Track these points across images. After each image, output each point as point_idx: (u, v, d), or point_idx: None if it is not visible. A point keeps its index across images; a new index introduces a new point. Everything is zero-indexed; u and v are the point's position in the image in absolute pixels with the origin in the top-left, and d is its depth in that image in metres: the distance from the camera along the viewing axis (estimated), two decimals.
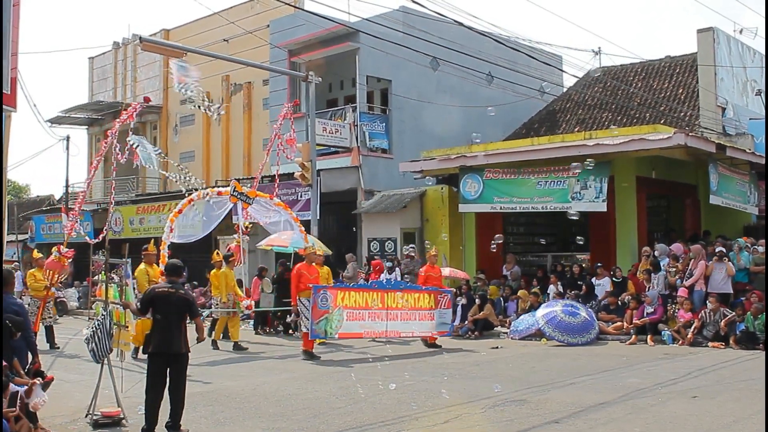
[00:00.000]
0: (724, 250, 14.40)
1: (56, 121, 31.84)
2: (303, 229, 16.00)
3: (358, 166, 21.22)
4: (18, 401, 6.24)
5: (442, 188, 19.75)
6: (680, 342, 13.29)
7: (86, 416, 7.74)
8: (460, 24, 17.18)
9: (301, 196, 20.84)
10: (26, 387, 6.41)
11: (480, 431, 7.48)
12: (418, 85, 22.64)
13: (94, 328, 7.88)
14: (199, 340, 7.56)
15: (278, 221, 15.69)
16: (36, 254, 15.16)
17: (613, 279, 15.59)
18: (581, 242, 15.92)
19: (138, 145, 12.64)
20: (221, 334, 14.60)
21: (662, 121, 19.90)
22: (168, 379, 7.16)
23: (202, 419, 7.88)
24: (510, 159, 17.28)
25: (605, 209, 16.00)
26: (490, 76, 21.42)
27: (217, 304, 14.97)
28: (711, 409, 7.92)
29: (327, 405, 8.49)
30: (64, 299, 23.42)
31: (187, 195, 14.63)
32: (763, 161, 17.27)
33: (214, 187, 16.67)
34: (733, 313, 13.16)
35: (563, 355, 12.60)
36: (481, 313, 15.64)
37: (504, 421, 7.58)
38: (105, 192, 27.67)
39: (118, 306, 8.04)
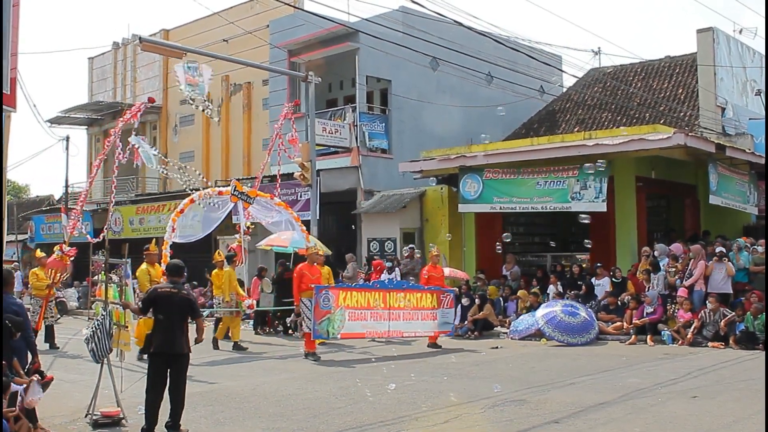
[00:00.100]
0: (724, 250, 14.39)
1: (56, 121, 31.84)
2: (305, 228, 15.98)
3: (357, 166, 21.22)
4: (18, 401, 6.24)
5: (441, 188, 19.76)
6: (680, 342, 13.29)
7: (86, 416, 7.74)
8: (460, 24, 17.18)
9: (300, 196, 20.84)
10: (25, 385, 6.42)
11: (480, 431, 7.48)
12: (418, 85, 22.65)
13: (94, 328, 7.88)
14: (197, 341, 7.52)
15: (280, 221, 15.68)
16: (39, 253, 15.16)
17: (613, 279, 15.60)
18: (589, 245, 15.79)
19: (139, 146, 12.64)
20: (224, 334, 14.58)
21: (662, 121, 19.90)
22: (168, 380, 7.16)
23: (202, 419, 7.88)
24: (510, 159, 17.28)
25: (605, 209, 16.01)
26: (490, 76, 21.44)
27: (219, 304, 14.96)
28: (711, 409, 7.93)
29: (327, 405, 8.49)
30: (64, 299, 23.41)
31: (192, 192, 14.56)
32: (763, 161, 17.28)
33: (214, 186, 16.63)
34: (733, 313, 13.16)
35: (563, 355, 12.60)
36: (481, 313, 15.64)
37: (504, 421, 7.58)
38: (105, 192, 27.65)
39: (118, 306, 8.04)
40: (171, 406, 7.14)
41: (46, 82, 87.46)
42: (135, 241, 19.25)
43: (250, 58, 21.30)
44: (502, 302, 16.79)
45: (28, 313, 8.60)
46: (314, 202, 18.55)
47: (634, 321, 14.12)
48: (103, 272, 8.55)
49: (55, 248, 12.52)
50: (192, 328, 7.45)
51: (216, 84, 27.39)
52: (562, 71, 26.53)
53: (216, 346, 14.15)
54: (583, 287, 15.89)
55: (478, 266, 18.74)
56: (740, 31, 23.23)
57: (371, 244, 20.48)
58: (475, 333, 15.33)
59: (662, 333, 13.69)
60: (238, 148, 28.41)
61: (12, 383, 6.34)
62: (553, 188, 16.47)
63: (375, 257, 18.97)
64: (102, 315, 7.97)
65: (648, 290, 14.69)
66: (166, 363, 7.16)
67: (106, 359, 7.89)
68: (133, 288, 9.93)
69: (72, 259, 12.31)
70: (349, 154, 21.27)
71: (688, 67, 23.37)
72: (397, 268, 17.29)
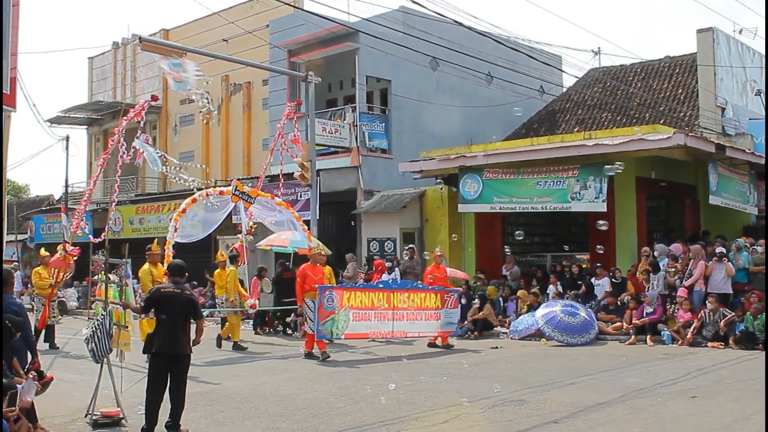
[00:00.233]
0: (723, 250, 14.39)
1: (56, 121, 31.84)
2: (306, 228, 15.97)
3: (357, 166, 21.22)
4: (17, 401, 6.24)
5: (441, 188, 19.76)
6: (680, 342, 13.29)
7: (86, 416, 7.75)
8: (460, 24, 17.18)
9: (300, 196, 20.84)
10: (22, 385, 6.42)
11: (479, 431, 7.48)
12: (418, 85, 22.65)
13: (94, 328, 7.88)
14: (195, 342, 7.47)
15: (282, 221, 15.66)
16: (43, 252, 15.15)
17: (613, 280, 15.60)
18: (601, 251, 15.70)
19: (143, 151, 12.58)
20: (227, 334, 14.58)
21: (662, 122, 19.90)
22: (169, 380, 7.16)
23: (202, 419, 7.88)
24: (509, 159, 17.28)
25: (605, 209, 16.00)
26: (490, 76, 21.45)
27: (222, 304, 14.95)
28: (710, 409, 7.93)
29: (327, 405, 8.49)
30: (64, 299, 23.41)
31: (196, 191, 14.51)
32: (763, 161, 17.27)
33: (215, 186, 16.59)
34: (733, 314, 13.16)
35: (563, 355, 12.60)
36: (481, 313, 15.65)
37: (503, 421, 7.58)
38: (104, 192, 27.67)
39: (118, 306, 8.04)
40: (171, 406, 7.13)
41: (46, 82, 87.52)
42: (135, 241, 19.24)
43: (250, 58, 21.31)
44: (501, 302, 16.79)
45: (30, 312, 8.61)
46: (314, 202, 18.55)
47: (633, 321, 14.12)
48: (103, 272, 8.55)
49: (58, 248, 12.52)
50: (192, 329, 7.45)
51: (216, 84, 27.41)
52: (562, 71, 26.55)
53: (219, 345, 14.15)
54: (583, 287, 15.88)
55: (477, 266, 18.74)
56: (740, 31, 23.26)
57: (371, 244, 20.48)
58: (475, 333, 15.33)
59: (662, 333, 13.69)
60: (238, 148, 28.42)
61: (12, 383, 6.34)
62: (553, 188, 16.47)
63: (375, 257, 18.97)
64: (102, 315, 7.97)
65: (648, 290, 14.69)
66: (168, 363, 7.16)
67: (106, 359, 7.90)
68: (134, 288, 9.94)
69: (75, 258, 12.32)
70: (349, 154, 21.27)
71: (688, 67, 23.38)
72: (396, 268, 17.30)
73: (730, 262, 14.18)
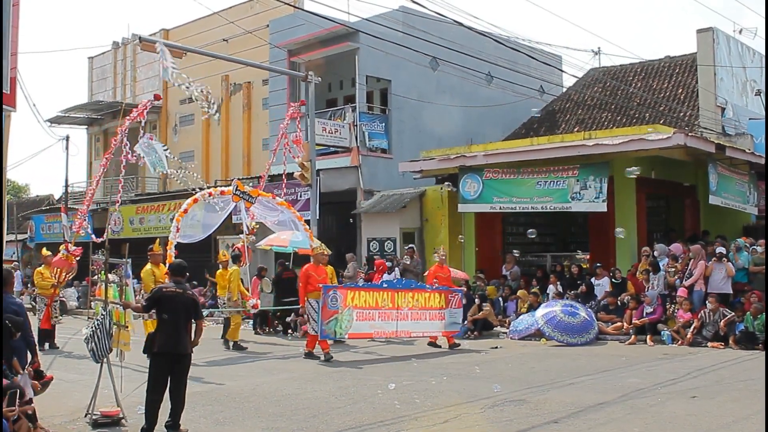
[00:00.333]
0: (724, 250, 14.39)
1: (56, 120, 31.86)
2: (308, 228, 15.96)
3: (357, 166, 21.22)
4: (17, 401, 6.24)
5: (441, 188, 19.76)
6: (679, 342, 13.29)
7: (86, 416, 7.75)
8: (460, 24, 17.17)
9: (300, 196, 20.84)
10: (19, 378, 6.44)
11: (479, 431, 7.48)
12: (418, 85, 22.65)
13: (94, 328, 7.88)
14: (194, 344, 7.44)
15: (284, 221, 15.65)
16: (45, 252, 15.15)
17: (613, 280, 15.61)
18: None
19: (147, 156, 12.54)
20: (237, 333, 14.56)
21: (662, 121, 19.90)
22: (169, 380, 7.16)
23: (202, 419, 7.88)
24: (509, 159, 17.28)
25: (605, 209, 16.02)
26: (490, 76, 21.44)
27: (224, 304, 14.93)
28: (710, 409, 7.93)
29: (327, 405, 8.49)
30: (64, 299, 23.39)
31: (198, 191, 14.48)
32: (763, 161, 17.28)
33: (216, 186, 16.60)
34: (733, 314, 13.16)
35: (563, 355, 12.60)
36: (481, 313, 15.64)
37: (503, 421, 7.58)
38: (104, 192, 27.68)
39: (118, 306, 8.04)
40: (171, 406, 7.13)
41: (46, 81, 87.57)
42: (135, 241, 19.24)
43: (250, 57, 21.30)
44: (501, 302, 16.79)
45: (31, 312, 8.61)
46: (314, 201, 18.54)
47: (633, 321, 14.12)
48: (102, 272, 8.55)
49: (60, 247, 12.52)
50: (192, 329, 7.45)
51: (216, 84, 27.43)
52: (562, 71, 26.54)
53: (228, 346, 14.10)
54: (583, 287, 15.88)
55: (477, 266, 18.74)
56: (740, 31, 23.25)
57: (371, 243, 20.48)
58: (475, 333, 15.32)
59: (662, 333, 13.69)
60: (238, 148, 28.43)
61: (13, 383, 6.35)
62: (553, 188, 16.47)
63: (375, 257, 18.97)
64: (102, 315, 7.96)
65: (648, 290, 14.68)
66: (170, 363, 7.15)
67: (105, 359, 7.90)
68: (134, 288, 9.93)
69: (77, 258, 12.32)
70: (349, 153, 21.27)
71: (688, 67, 23.38)
72: (396, 268, 17.31)
73: (729, 263, 14.18)
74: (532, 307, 15.49)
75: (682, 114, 21.77)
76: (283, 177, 17.38)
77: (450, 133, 22.70)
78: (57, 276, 12.71)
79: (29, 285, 24.23)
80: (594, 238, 18.72)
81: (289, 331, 16.62)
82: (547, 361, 11.93)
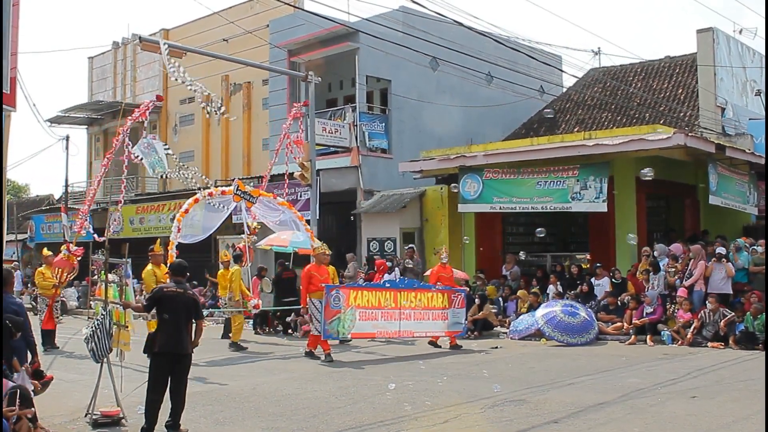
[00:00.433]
0: (724, 251, 14.39)
1: (56, 120, 31.85)
2: (309, 228, 15.95)
3: (357, 166, 21.22)
4: (17, 401, 6.24)
5: (441, 188, 19.76)
6: (680, 342, 13.29)
7: (86, 416, 7.75)
8: (460, 24, 17.17)
9: (300, 196, 20.84)
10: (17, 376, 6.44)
11: (479, 431, 7.48)
12: (418, 85, 22.65)
13: (94, 328, 7.88)
14: (194, 344, 7.44)
15: (286, 221, 15.64)
16: (46, 252, 15.14)
17: (613, 281, 15.61)
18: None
19: (147, 157, 12.53)
20: (240, 334, 14.55)
21: (662, 121, 19.90)
22: (170, 379, 7.16)
23: (202, 419, 7.88)
24: (509, 159, 17.28)
25: (606, 209, 16.02)
26: (490, 76, 21.44)
27: (225, 304, 14.93)
28: (710, 409, 7.93)
29: (327, 405, 8.49)
30: (64, 299, 23.40)
31: (200, 191, 14.47)
32: (763, 161, 17.27)
33: (217, 185, 16.57)
34: (733, 314, 13.16)
35: (563, 355, 12.60)
36: (481, 313, 15.64)
37: (503, 421, 7.58)
38: (104, 192, 27.68)
39: (118, 306, 8.04)
40: (171, 406, 7.14)
41: (46, 81, 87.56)
42: (135, 240, 19.25)
43: (250, 57, 21.29)
44: (501, 302, 16.79)
45: (31, 312, 8.61)
46: (314, 201, 18.54)
47: (633, 321, 14.11)
48: (102, 272, 8.55)
49: (62, 248, 12.51)
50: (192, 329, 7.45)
51: (216, 84, 27.43)
52: (562, 71, 26.54)
53: (235, 348, 14.07)
54: (583, 287, 15.87)
55: (478, 266, 18.74)
56: (740, 32, 23.25)
57: (371, 244, 20.48)
58: (475, 333, 15.32)
59: (662, 333, 13.68)
60: (238, 148, 28.42)
61: (11, 383, 6.35)
62: (553, 188, 16.47)
63: (375, 257, 18.97)
64: (102, 315, 7.96)
65: (648, 290, 14.68)
66: (171, 363, 7.16)
67: (106, 359, 7.90)
68: (134, 288, 9.94)
69: (79, 258, 12.31)
70: (349, 153, 21.27)
71: (688, 67, 23.38)
72: (396, 268, 17.31)
73: (729, 263, 14.18)
74: (532, 307, 15.49)
75: (682, 114, 21.77)
76: (285, 177, 17.36)
77: (450, 133, 22.70)
78: (59, 276, 12.69)
79: (29, 285, 24.25)
80: (594, 238, 18.72)
81: (290, 331, 16.62)
82: (547, 361, 11.93)
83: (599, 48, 38.74)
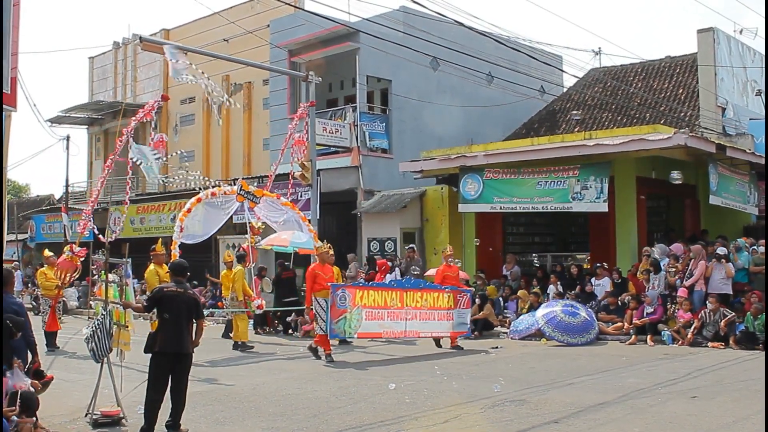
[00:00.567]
0: (724, 251, 14.39)
1: (56, 120, 31.86)
2: (312, 228, 15.94)
3: (358, 166, 21.22)
4: (17, 401, 6.25)
5: (442, 188, 19.76)
6: (680, 342, 13.29)
7: (86, 416, 7.75)
8: (461, 24, 17.18)
9: (301, 196, 20.83)
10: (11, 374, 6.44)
11: (479, 431, 7.48)
12: (418, 85, 22.65)
13: (94, 328, 7.88)
14: (194, 344, 7.44)
15: (290, 220, 15.62)
16: (47, 252, 15.12)
17: (613, 280, 15.60)
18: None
19: (141, 162, 12.50)
20: (246, 334, 14.53)
21: (662, 121, 19.90)
22: (170, 379, 7.16)
23: (202, 419, 7.88)
24: (510, 159, 17.28)
25: (606, 209, 16.01)
26: (490, 76, 21.45)
27: (228, 304, 14.92)
28: (710, 409, 7.93)
29: (327, 405, 8.49)
30: (65, 299, 23.41)
31: (201, 191, 14.44)
32: (763, 161, 17.26)
33: (218, 185, 16.57)
34: (733, 314, 13.16)
35: (563, 355, 12.60)
36: (481, 313, 15.64)
37: (503, 421, 7.58)
38: (105, 192, 27.69)
39: (118, 306, 8.04)
40: (172, 406, 7.14)
41: (46, 81, 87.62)
42: (136, 240, 19.25)
43: (250, 57, 21.30)
44: (502, 302, 16.78)
45: (33, 313, 8.61)
46: (314, 201, 18.54)
47: (634, 321, 14.12)
48: (103, 272, 8.55)
49: (65, 248, 12.49)
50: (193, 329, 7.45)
51: (216, 84, 27.38)
52: (563, 71, 26.54)
53: (244, 349, 14.05)
54: (589, 285, 15.87)
55: (478, 266, 18.74)
56: (740, 32, 23.26)
57: (371, 243, 20.48)
58: (475, 333, 15.31)
59: (662, 333, 13.69)
60: (238, 148, 28.42)
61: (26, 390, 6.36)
62: (554, 188, 16.47)
63: (376, 257, 18.97)
64: (102, 314, 7.97)
65: (648, 290, 14.68)
66: (171, 362, 7.16)
67: (106, 359, 7.90)
68: (134, 288, 9.93)
69: (82, 259, 12.29)
70: (350, 153, 21.27)
71: (689, 67, 23.37)
72: (397, 268, 17.30)
73: (729, 263, 14.17)
74: (533, 307, 15.49)
75: (682, 114, 21.77)
76: (290, 177, 17.36)
77: (450, 133, 22.70)
78: (62, 277, 12.67)
79: (29, 285, 24.26)
80: (594, 238, 18.73)
81: (290, 331, 16.62)
82: (547, 361, 11.93)
83: (600, 48, 38.72)
